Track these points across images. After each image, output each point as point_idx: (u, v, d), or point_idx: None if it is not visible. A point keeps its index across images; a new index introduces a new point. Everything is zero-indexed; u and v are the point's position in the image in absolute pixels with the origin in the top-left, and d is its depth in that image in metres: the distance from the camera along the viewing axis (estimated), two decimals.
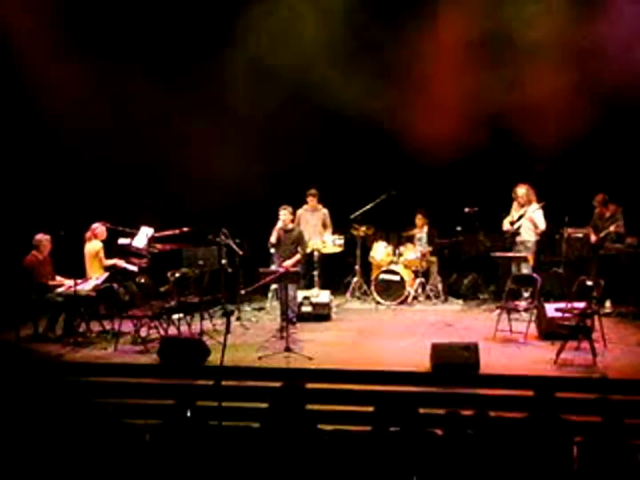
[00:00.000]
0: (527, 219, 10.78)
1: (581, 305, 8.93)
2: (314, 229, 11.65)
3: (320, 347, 9.31)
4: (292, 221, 10.50)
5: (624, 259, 10.73)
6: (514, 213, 10.99)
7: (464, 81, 11.66)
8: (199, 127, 12.06)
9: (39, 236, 9.98)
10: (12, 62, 11.36)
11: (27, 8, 11.39)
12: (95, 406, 6.20)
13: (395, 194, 11.87)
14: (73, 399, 6.88)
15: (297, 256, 10.18)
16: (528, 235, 10.86)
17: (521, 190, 10.85)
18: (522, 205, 10.88)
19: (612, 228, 10.78)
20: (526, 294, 10.32)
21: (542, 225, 10.79)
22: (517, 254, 10.68)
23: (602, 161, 11.39)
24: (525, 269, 10.51)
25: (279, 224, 10.23)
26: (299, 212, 11.58)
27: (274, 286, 11.04)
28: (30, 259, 9.91)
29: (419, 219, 12.20)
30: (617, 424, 5.66)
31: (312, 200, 11.73)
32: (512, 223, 10.93)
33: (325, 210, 11.82)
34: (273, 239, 10.28)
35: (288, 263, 9.98)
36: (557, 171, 11.56)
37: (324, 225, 11.76)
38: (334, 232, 11.74)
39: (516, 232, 10.86)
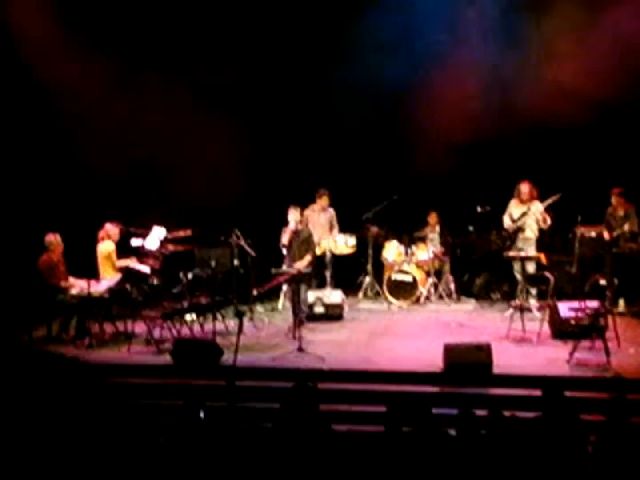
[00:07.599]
0: (539, 213, 10.72)
1: (595, 304, 8.88)
2: (323, 229, 11.62)
3: (332, 347, 9.31)
4: (301, 222, 10.49)
5: (638, 258, 10.67)
6: (514, 210, 10.93)
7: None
8: (209, 127, 12.08)
9: (50, 237, 10.00)
10: (23, 63, 11.39)
11: (35, 7, 11.43)
12: (110, 406, 6.22)
13: (408, 194, 11.85)
14: (87, 400, 6.89)
15: (308, 257, 10.12)
16: (532, 232, 10.84)
17: (525, 188, 10.82)
18: (524, 203, 10.85)
19: (626, 227, 10.73)
20: (533, 292, 10.39)
21: (549, 219, 10.77)
22: (530, 255, 10.60)
23: (616, 159, 11.31)
24: (531, 268, 10.47)
25: (290, 225, 10.17)
26: (306, 212, 11.43)
27: (285, 287, 11.03)
28: (44, 260, 9.95)
29: (432, 218, 12.15)
30: (632, 423, 5.63)
31: (323, 201, 11.69)
32: (513, 220, 10.89)
33: (332, 211, 11.80)
34: (285, 239, 10.21)
35: (299, 265, 9.95)
36: (570, 170, 11.50)
37: (331, 227, 11.74)
38: (344, 232, 11.72)
39: (519, 229, 10.84)
